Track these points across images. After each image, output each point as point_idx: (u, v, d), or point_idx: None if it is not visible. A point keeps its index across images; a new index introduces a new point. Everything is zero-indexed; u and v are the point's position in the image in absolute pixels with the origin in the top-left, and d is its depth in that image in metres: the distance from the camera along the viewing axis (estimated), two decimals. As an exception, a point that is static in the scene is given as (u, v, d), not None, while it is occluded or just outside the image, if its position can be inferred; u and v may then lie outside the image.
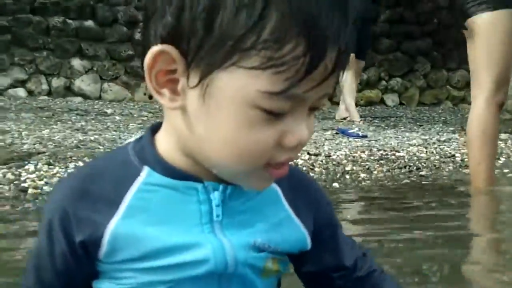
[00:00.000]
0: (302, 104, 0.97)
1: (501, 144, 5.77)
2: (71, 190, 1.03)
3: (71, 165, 3.58)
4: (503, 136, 6.38)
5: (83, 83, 8.50)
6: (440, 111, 9.74)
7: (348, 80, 7.42)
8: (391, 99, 9.89)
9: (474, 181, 3.29)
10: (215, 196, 1.04)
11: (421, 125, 7.48)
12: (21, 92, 8.22)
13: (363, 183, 3.78)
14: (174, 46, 0.97)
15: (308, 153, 4.49)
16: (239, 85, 0.95)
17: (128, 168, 1.04)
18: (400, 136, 6.18)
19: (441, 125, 7.63)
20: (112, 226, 1.00)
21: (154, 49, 0.98)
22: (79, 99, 8.32)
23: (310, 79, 0.93)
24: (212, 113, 0.98)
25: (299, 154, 4.20)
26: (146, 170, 1.03)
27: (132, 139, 1.11)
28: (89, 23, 8.68)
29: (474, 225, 2.66)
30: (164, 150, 1.06)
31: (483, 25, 3.12)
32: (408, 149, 5.09)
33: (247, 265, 1.05)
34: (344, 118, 7.60)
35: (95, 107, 7.67)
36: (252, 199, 1.09)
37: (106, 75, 8.64)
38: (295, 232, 1.13)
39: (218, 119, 0.98)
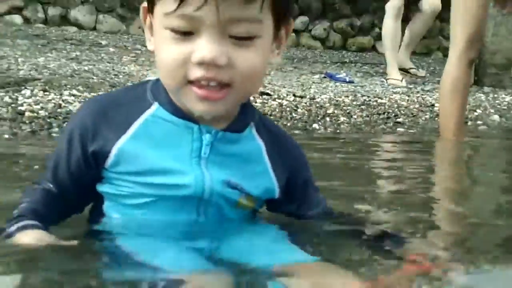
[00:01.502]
0: (203, 24, 1.18)
1: (482, 97, 5.96)
2: (93, 110, 1.30)
3: (66, 92, 3.75)
4: (486, 89, 6.58)
5: (79, 13, 8.52)
6: (430, 61, 9.85)
7: (386, 25, 6.31)
8: (383, 37, 9.97)
9: (443, 133, 3.49)
10: (206, 138, 1.28)
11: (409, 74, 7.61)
12: (17, 19, 8.25)
13: (341, 126, 3.98)
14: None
15: (294, 95, 4.67)
16: (158, 13, 1.23)
17: (142, 102, 1.31)
18: (386, 84, 6.33)
19: (428, 75, 7.77)
20: (120, 144, 1.27)
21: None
22: (74, 29, 8.38)
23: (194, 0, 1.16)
24: (155, 44, 1.28)
25: (285, 95, 4.33)
26: (155, 105, 1.30)
27: (152, 78, 1.36)
28: (88, -48, 8.65)
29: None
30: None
31: None
32: (391, 97, 5.27)
33: (221, 196, 1.30)
34: (405, 70, 6.62)
35: (90, 37, 7.75)
36: (238, 147, 1.32)
37: (102, 6, 8.67)
38: (267, 184, 1.37)
39: (155, 47, 1.27)
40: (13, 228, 1.20)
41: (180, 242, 1.27)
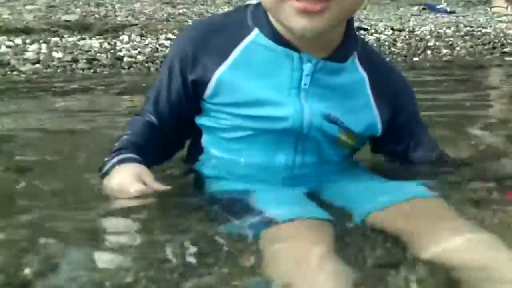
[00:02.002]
0: None
1: None
2: (194, 36, 1.24)
3: (162, 36, 3.77)
4: None
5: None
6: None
7: None
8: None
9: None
10: (307, 67, 1.20)
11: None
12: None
13: (444, 58, 3.80)
14: None
15: (392, 29, 4.50)
16: None
17: (242, 28, 1.23)
18: (490, 12, 6.01)
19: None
20: (219, 73, 1.21)
21: None
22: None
23: None
24: None
25: (382, 29, 4.18)
26: (256, 31, 1.22)
27: (253, 2, 1.29)
28: None
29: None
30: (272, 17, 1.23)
31: None
32: (497, 26, 5.00)
33: (320, 131, 1.22)
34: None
35: (184, -19, 7.77)
36: (340, 79, 1.23)
37: None
38: (369, 119, 1.27)
39: None
40: (114, 160, 1.21)
41: (279, 187, 1.23)
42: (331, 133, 1.24)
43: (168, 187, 1.17)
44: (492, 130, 1.95)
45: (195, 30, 1.29)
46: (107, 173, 1.19)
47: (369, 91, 1.27)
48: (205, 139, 1.30)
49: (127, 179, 1.16)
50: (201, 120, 1.29)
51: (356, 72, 1.26)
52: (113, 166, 1.20)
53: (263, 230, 1.01)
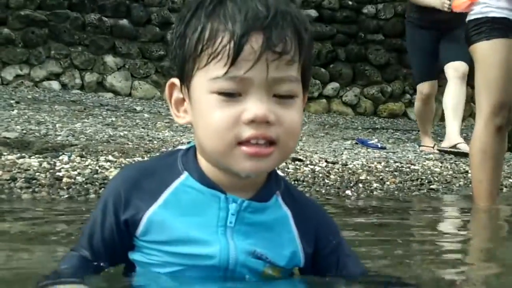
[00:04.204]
0: (251, 85, 1.24)
1: (519, 163, 5.89)
2: (127, 179, 1.34)
3: (102, 158, 3.81)
4: (521, 156, 6.50)
5: (114, 79, 8.74)
6: (462, 127, 9.79)
7: (416, 107, 6.47)
8: (414, 113, 9.97)
9: (476, 198, 3.44)
10: (232, 207, 1.30)
11: (441, 140, 7.59)
12: (55, 85, 8.49)
13: (374, 192, 3.97)
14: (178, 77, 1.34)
15: (326, 161, 4.68)
16: (200, 81, 1.27)
17: (172, 171, 1.34)
18: (418, 150, 6.33)
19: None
20: (150, 213, 1.30)
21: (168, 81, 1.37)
22: (110, 94, 8.58)
23: (244, 61, 1.21)
24: (196, 112, 1.30)
25: (317, 161, 4.33)
26: (185, 174, 1.33)
27: (183, 147, 1.40)
28: (124, 21, 8.92)
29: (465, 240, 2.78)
30: (201, 161, 1.34)
31: (482, 51, 3.31)
32: (424, 163, 5.26)
33: (245, 267, 1.30)
34: (454, 146, 6.17)
35: (125, 103, 7.92)
36: (264, 216, 1.34)
37: (137, 73, 8.88)
38: (293, 253, 1.37)
39: (199, 114, 1.29)
40: (50, 281, 1.24)
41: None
42: (256, 268, 1.32)
43: None
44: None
45: (128, 173, 1.40)
46: None
47: (293, 227, 1.38)
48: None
49: None
50: (134, 256, 1.35)
51: (279, 210, 1.37)
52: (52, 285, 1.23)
53: None
